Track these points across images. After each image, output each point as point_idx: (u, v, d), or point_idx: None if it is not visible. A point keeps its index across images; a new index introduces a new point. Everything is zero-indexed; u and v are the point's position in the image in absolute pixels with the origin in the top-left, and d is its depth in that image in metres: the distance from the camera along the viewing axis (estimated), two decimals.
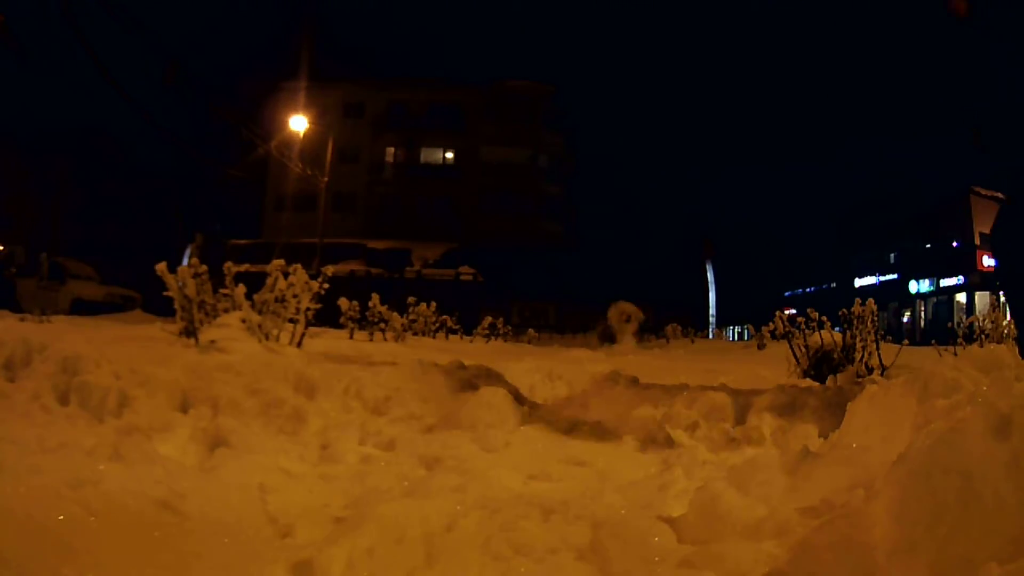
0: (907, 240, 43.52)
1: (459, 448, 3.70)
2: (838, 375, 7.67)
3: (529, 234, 45.24)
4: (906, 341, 17.71)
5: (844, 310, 8.64)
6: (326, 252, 26.70)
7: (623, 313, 14.64)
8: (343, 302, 14.03)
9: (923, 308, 42.27)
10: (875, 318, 8.58)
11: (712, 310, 45.93)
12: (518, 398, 4.79)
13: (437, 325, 18.60)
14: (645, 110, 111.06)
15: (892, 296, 41.75)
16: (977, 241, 36.45)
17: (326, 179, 25.42)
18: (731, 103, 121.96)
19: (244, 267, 9.24)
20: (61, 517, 1.95)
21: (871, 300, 8.62)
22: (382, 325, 14.98)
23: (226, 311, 7.05)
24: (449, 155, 48.33)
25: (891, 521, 1.67)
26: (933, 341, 13.42)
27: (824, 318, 8.92)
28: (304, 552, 2.04)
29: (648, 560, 2.05)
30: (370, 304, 14.72)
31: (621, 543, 2.15)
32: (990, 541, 1.46)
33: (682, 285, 44.54)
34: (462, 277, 40.22)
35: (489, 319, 22.65)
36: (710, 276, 46.88)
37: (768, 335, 17.02)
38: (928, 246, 41.88)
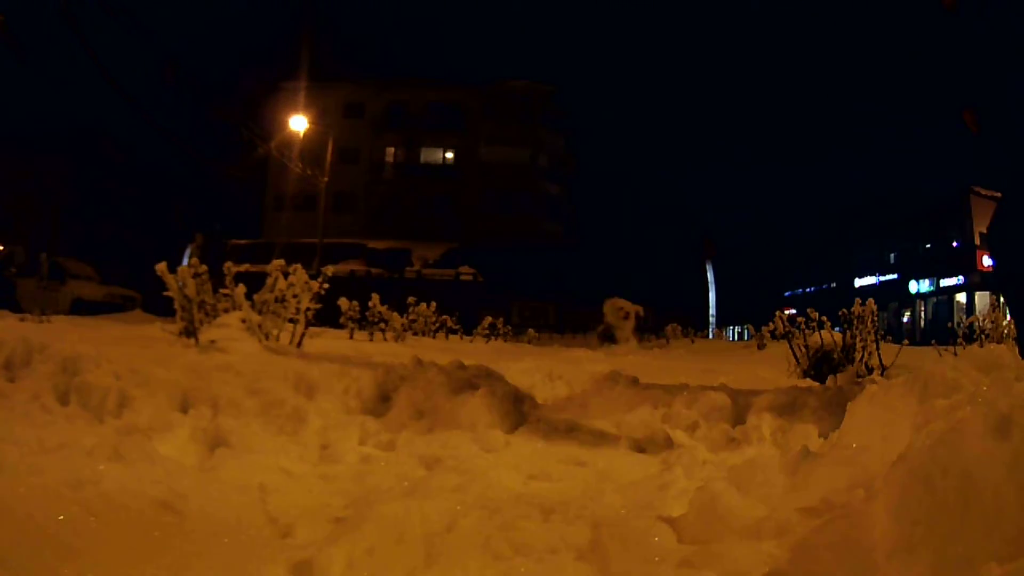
0: (907, 240, 43.52)
1: (459, 448, 3.70)
2: (838, 375, 7.68)
3: (529, 234, 45.25)
4: (906, 341, 17.71)
5: (844, 310, 8.65)
6: (326, 252, 26.70)
7: (620, 310, 14.55)
8: (343, 302, 14.03)
9: (923, 308, 42.26)
10: (875, 318, 8.59)
11: (712, 310, 45.91)
12: (518, 398, 4.79)
13: (437, 325, 18.61)
14: (645, 110, 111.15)
15: (892, 296, 41.74)
16: (977, 241, 36.42)
17: (326, 179, 25.43)
18: (732, 103, 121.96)
19: (244, 267, 9.25)
20: (61, 517, 1.95)
21: (871, 300, 8.63)
22: (382, 325, 14.98)
23: (226, 311, 7.06)
24: (449, 155, 48.34)
25: (891, 521, 1.67)
26: (933, 341, 13.43)
27: (824, 318, 8.93)
28: (304, 552, 2.04)
29: (648, 560, 2.05)
30: (370, 304, 14.72)
31: (621, 543, 2.15)
32: (990, 541, 1.46)
33: (682, 285, 44.55)
34: (462, 277, 40.23)
35: (489, 319, 22.65)
36: (710, 276, 46.87)
37: (768, 335, 17.03)
38: (928, 246, 41.88)
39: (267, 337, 7.00)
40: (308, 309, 7.59)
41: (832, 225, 55.54)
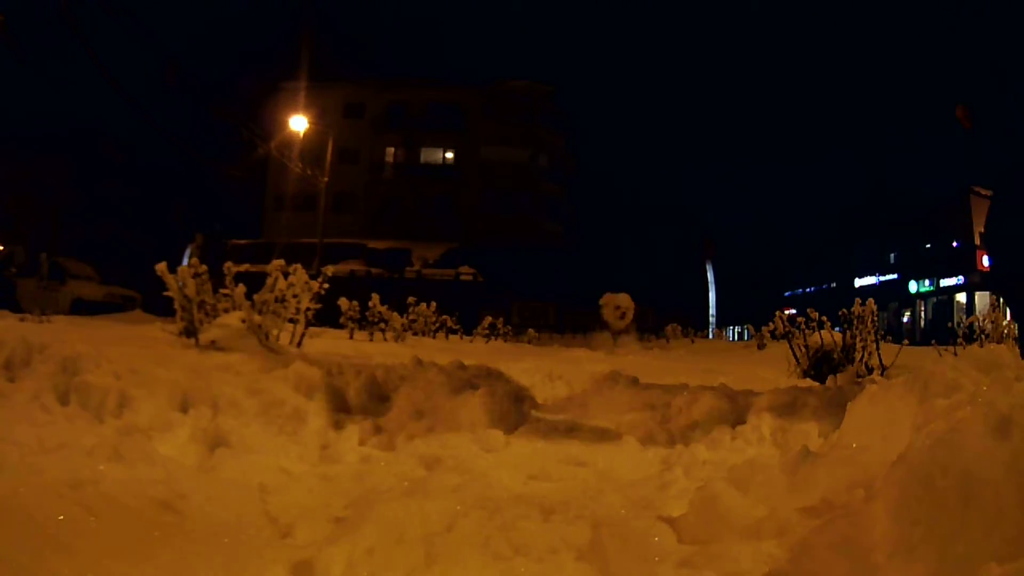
0: (907, 240, 43.51)
1: (459, 448, 3.70)
2: (838, 375, 7.67)
3: (529, 234, 45.22)
4: (906, 341, 17.71)
5: (844, 310, 8.65)
6: (326, 252, 26.69)
7: (618, 308, 14.47)
8: (343, 302, 14.03)
9: (923, 308, 42.26)
10: (875, 318, 8.59)
11: (712, 310, 45.88)
12: (518, 398, 4.79)
13: (437, 325, 18.60)
14: (645, 110, 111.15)
15: (892, 296, 41.74)
16: (977, 241, 36.45)
17: (326, 179, 25.41)
18: (731, 103, 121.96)
19: (244, 267, 9.24)
20: (61, 517, 1.95)
21: (871, 300, 8.63)
22: (382, 325, 14.98)
23: (226, 311, 7.06)
24: (449, 155, 48.32)
25: (891, 521, 1.67)
26: (933, 341, 13.42)
27: (824, 318, 8.92)
28: (304, 552, 2.04)
29: (648, 560, 2.05)
30: (370, 304, 14.72)
31: (621, 543, 2.15)
32: (990, 541, 1.46)
33: (682, 285, 44.53)
34: (462, 277, 40.22)
35: (489, 319, 22.65)
36: (710, 276, 46.85)
37: (768, 335, 17.02)
38: (928, 246, 41.88)
39: (267, 337, 7.00)
40: (308, 309, 7.59)
41: (832, 225, 55.58)
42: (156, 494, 2.29)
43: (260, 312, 7.06)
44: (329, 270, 8.03)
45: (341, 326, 14.38)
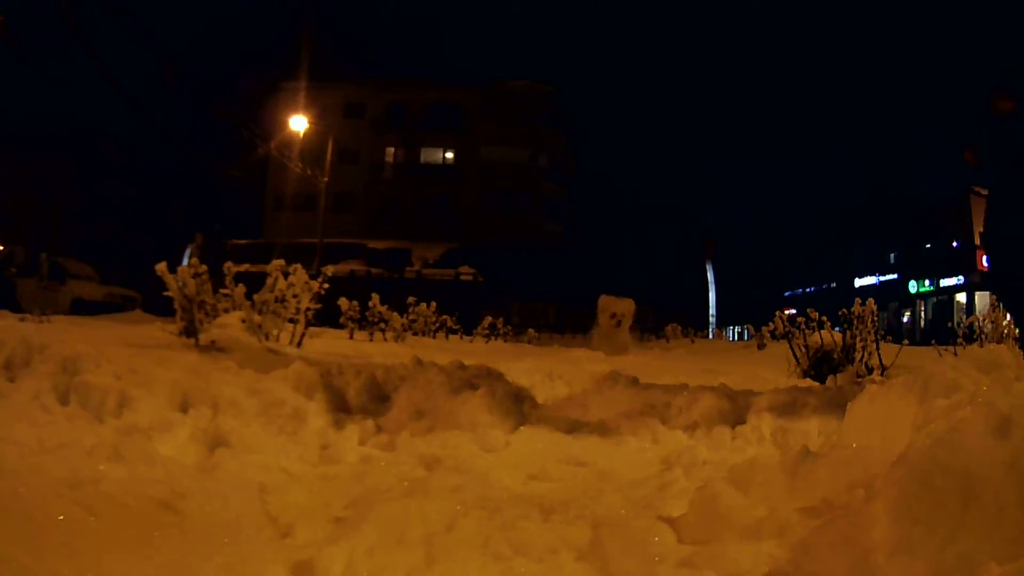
0: (907, 240, 43.51)
1: (459, 448, 3.70)
2: (838, 375, 7.68)
3: (529, 234, 45.24)
4: (906, 341, 17.71)
5: (844, 310, 8.65)
6: (326, 252, 26.69)
7: (614, 315, 14.38)
8: (343, 302, 14.04)
9: (923, 308, 42.26)
10: (875, 318, 8.60)
11: (712, 310, 45.90)
12: (518, 398, 4.79)
13: (437, 325, 18.61)
14: (645, 110, 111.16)
15: (892, 296, 41.74)
16: (977, 241, 36.41)
17: (326, 179, 25.42)
18: (732, 103, 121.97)
19: (244, 267, 9.25)
20: (61, 517, 1.95)
21: (871, 300, 8.63)
22: (382, 325, 14.99)
23: (226, 311, 7.06)
24: (449, 155, 48.33)
25: (891, 521, 1.67)
26: (933, 341, 13.43)
27: (824, 318, 8.93)
28: (304, 552, 2.04)
29: (648, 560, 2.05)
30: (370, 304, 14.73)
31: (621, 543, 2.15)
32: (990, 541, 1.46)
33: (682, 285, 44.53)
34: (462, 277, 40.23)
35: (489, 319, 22.66)
36: (710, 276, 46.86)
37: (768, 335, 17.03)
38: (928, 246, 41.87)
39: (267, 337, 7.01)
40: (308, 309, 7.60)
41: (832, 225, 55.56)
42: (156, 494, 2.29)
43: (260, 312, 7.07)
44: (329, 270, 8.04)
45: (341, 326, 14.39)
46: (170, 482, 2.43)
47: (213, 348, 6.42)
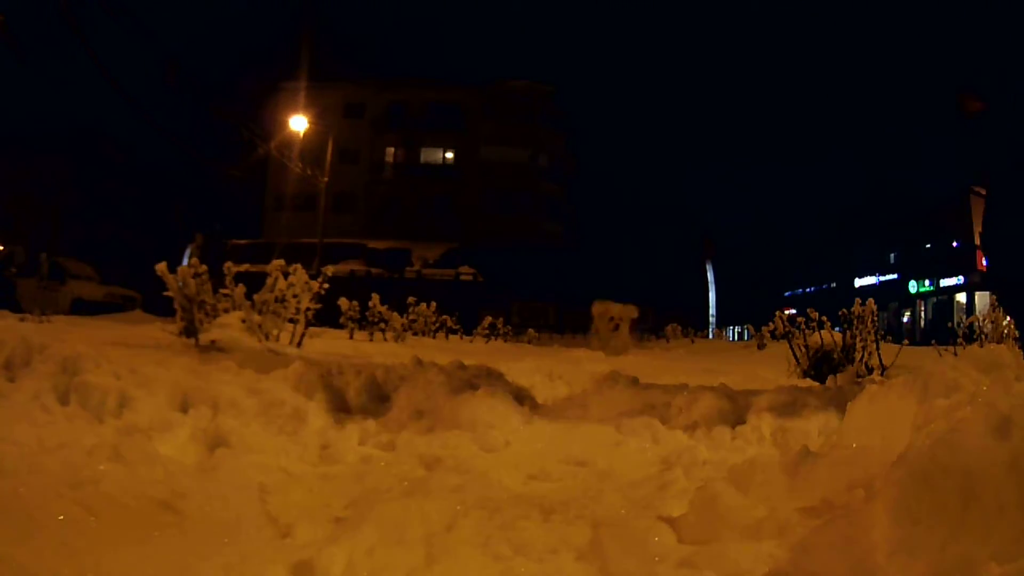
0: (907, 240, 43.52)
1: (459, 448, 3.70)
2: (838, 375, 7.68)
3: (529, 234, 45.23)
4: (906, 341, 17.72)
5: (844, 310, 8.65)
6: (326, 252, 26.69)
7: (611, 319, 14.34)
8: (343, 302, 14.04)
9: (923, 308, 42.26)
10: (875, 318, 8.60)
11: (712, 310, 45.92)
12: (518, 398, 4.79)
13: (437, 325, 18.61)
14: (645, 110, 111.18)
15: (892, 296, 41.74)
16: (977, 241, 36.45)
17: (326, 179, 25.42)
18: (731, 103, 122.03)
19: (244, 267, 9.25)
20: (61, 517, 1.95)
21: (871, 300, 8.63)
22: (382, 325, 14.99)
23: (226, 311, 7.06)
24: (449, 155, 48.33)
25: (891, 521, 1.67)
26: (933, 341, 13.43)
27: (824, 318, 8.93)
28: (304, 552, 2.04)
29: (648, 560, 2.05)
30: (370, 304, 14.73)
31: (621, 543, 2.15)
32: (990, 541, 1.46)
33: (682, 285, 44.52)
34: (462, 277, 40.23)
35: (489, 319, 22.66)
36: (710, 276, 46.87)
37: (768, 335, 17.03)
38: (928, 246, 41.89)
39: (267, 337, 7.01)
40: (308, 309, 7.60)
41: (832, 225, 55.51)
42: (156, 494, 2.29)
43: (260, 312, 7.07)
44: (329, 270, 8.04)
45: (341, 326, 14.39)
46: (170, 482, 2.43)
47: (213, 348, 6.42)
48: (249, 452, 3.25)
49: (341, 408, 4.43)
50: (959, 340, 11.83)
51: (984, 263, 35.55)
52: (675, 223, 70.91)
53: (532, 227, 46.16)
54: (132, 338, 7.14)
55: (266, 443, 3.45)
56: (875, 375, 7.64)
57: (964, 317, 15.87)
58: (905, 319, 42.74)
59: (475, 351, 12.28)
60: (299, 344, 7.66)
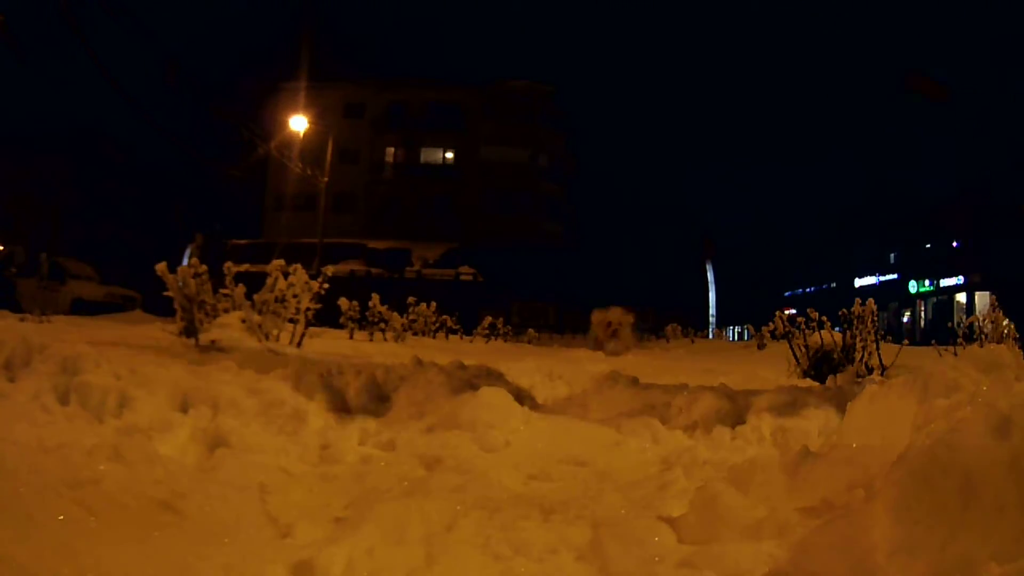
0: (907, 240, 43.53)
1: (459, 448, 3.69)
2: (838, 375, 7.68)
3: (529, 234, 45.23)
4: (906, 341, 17.71)
5: (844, 310, 8.65)
6: (326, 252, 26.69)
7: (609, 326, 14.38)
8: (343, 302, 14.04)
9: (923, 308, 42.27)
10: (875, 318, 8.60)
11: (712, 310, 45.90)
12: (518, 398, 4.78)
13: (437, 325, 18.61)
14: (645, 110, 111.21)
15: (892, 296, 41.74)
16: (977, 242, 36.46)
17: (326, 179, 25.43)
18: (731, 103, 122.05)
19: (244, 267, 9.25)
20: (61, 517, 1.95)
21: (871, 300, 8.63)
22: (382, 325, 14.99)
23: (226, 311, 7.07)
24: (449, 155, 48.34)
25: (891, 521, 1.67)
26: (933, 341, 13.43)
27: (824, 318, 8.92)
28: (304, 552, 2.04)
29: (648, 560, 2.05)
30: (370, 304, 14.73)
31: (621, 543, 2.15)
32: (990, 541, 1.46)
33: (682, 285, 44.51)
34: (462, 277, 40.24)
35: (489, 319, 22.66)
36: (710, 276, 46.86)
37: (768, 335, 17.03)
38: (928, 246, 41.89)
39: (267, 337, 7.01)
40: (308, 309, 7.60)
41: (832, 225, 55.55)
42: (156, 494, 2.29)
43: (260, 312, 7.08)
44: (329, 270, 8.04)
45: (341, 326, 14.39)
46: (170, 482, 2.43)
47: (213, 348, 6.43)
48: (249, 452, 3.25)
49: (341, 408, 4.43)
50: (959, 340, 11.83)
51: (984, 263, 35.55)
52: (675, 223, 70.86)
53: (532, 227, 46.17)
54: (132, 338, 7.14)
55: (266, 443, 3.44)
56: (875, 375, 7.64)
57: (964, 317, 15.88)
58: (905, 319, 42.75)
59: (475, 351, 12.28)
60: (299, 344, 7.66)
